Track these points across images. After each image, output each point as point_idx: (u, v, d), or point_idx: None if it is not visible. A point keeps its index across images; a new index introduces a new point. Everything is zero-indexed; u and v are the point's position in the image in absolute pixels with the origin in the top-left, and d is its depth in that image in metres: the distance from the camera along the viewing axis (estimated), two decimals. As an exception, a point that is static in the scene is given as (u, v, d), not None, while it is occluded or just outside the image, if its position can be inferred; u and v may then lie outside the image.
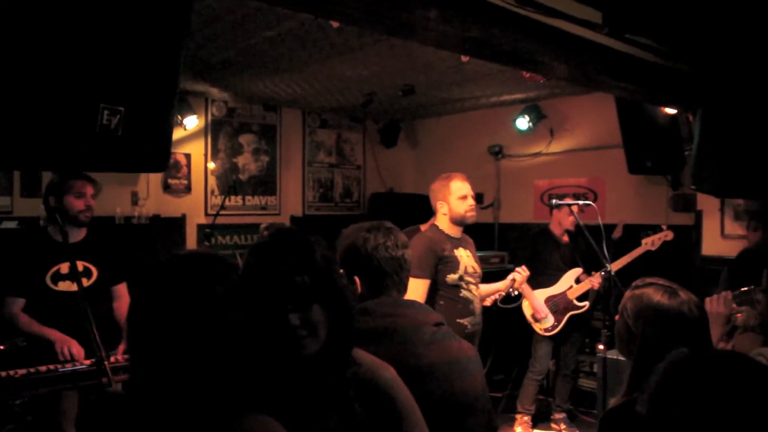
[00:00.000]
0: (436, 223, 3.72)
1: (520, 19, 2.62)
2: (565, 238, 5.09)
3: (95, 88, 1.85)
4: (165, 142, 2.10)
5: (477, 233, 4.13)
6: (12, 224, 5.17)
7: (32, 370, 2.90)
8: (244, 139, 6.79)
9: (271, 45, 4.38)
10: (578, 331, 5.18)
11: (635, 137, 5.34)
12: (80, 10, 1.77)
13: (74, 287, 3.27)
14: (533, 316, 4.98)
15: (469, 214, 3.65)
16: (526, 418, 5.10)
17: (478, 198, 7.05)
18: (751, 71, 3.15)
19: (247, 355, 1.32)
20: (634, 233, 5.09)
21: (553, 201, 4.51)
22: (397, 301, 1.91)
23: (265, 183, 6.97)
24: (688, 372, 1.37)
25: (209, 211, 6.46)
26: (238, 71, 5.21)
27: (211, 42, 4.30)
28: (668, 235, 4.79)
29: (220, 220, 6.06)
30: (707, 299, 2.61)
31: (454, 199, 3.64)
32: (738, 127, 3.25)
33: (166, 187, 6.23)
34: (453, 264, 3.58)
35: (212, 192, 6.56)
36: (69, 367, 3.02)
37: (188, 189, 6.39)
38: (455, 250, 3.62)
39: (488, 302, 3.92)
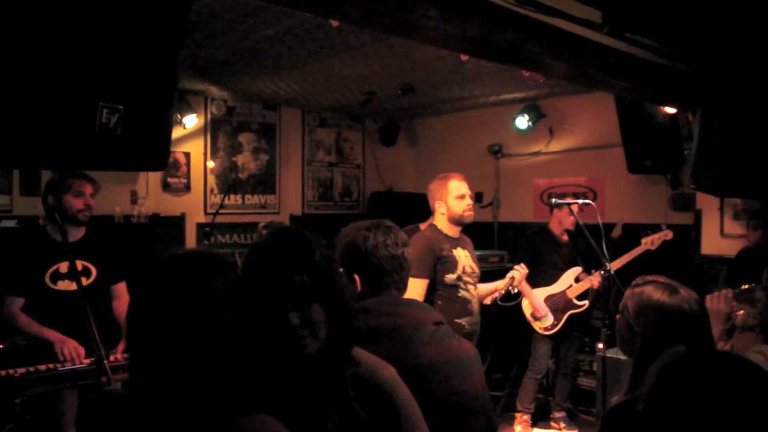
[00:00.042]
0: (435, 222, 3.72)
1: (520, 19, 2.61)
2: (565, 237, 5.09)
3: (94, 87, 1.85)
4: (164, 141, 2.10)
5: (476, 232, 4.14)
6: (11, 223, 5.17)
7: (32, 369, 2.90)
8: (244, 137, 6.79)
9: (270, 44, 4.38)
10: (578, 330, 5.18)
11: (635, 136, 5.34)
12: (79, 9, 1.77)
13: (73, 286, 3.27)
14: (533, 314, 4.98)
15: (467, 213, 3.65)
16: (525, 416, 5.10)
17: (478, 197, 7.06)
18: (751, 70, 3.15)
19: (247, 354, 1.32)
20: (633, 232, 5.09)
21: (553, 200, 4.50)
22: (397, 300, 1.91)
23: (265, 182, 6.97)
24: (683, 371, 1.37)
25: (209, 210, 6.46)
26: (237, 70, 5.21)
27: (211, 41, 4.30)
28: (668, 235, 4.80)
29: (219, 219, 6.06)
30: (708, 297, 2.61)
31: (452, 198, 3.64)
32: (737, 127, 3.25)
33: (166, 186, 6.23)
34: (451, 264, 3.58)
35: (212, 191, 6.56)
36: (68, 366, 3.02)
37: (188, 188, 6.39)
38: (454, 250, 3.62)
39: (488, 301, 3.92)
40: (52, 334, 3.17)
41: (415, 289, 3.31)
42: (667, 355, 1.55)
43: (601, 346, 3.97)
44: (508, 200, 7.04)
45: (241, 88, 6.00)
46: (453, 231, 3.69)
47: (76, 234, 3.41)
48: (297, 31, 4.10)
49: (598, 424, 1.86)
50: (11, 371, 2.84)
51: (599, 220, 4.00)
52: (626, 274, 4.01)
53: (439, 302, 3.51)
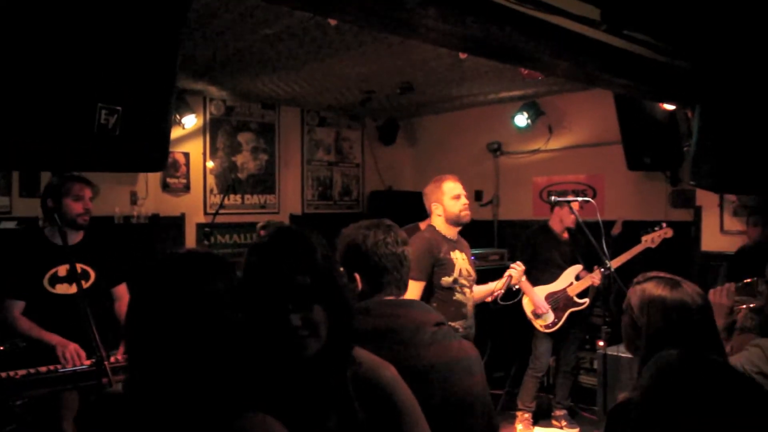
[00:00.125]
0: (433, 224, 3.72)
1: (519, 16, 2.61)
2: (565, 235, 5.09)
3: (93, 88, 1.84)
4: (163, 142, 2.09)
5: (476, 231, 4.14)
6: (11, 224, 5.16)
7: (32, 370, 2.90)
8: (243, 137, 6.79)
9: (269, 43, 4.38)
10: (578, 327, 5.19)
11: (634, 133, 5.34)
12: (77, 9, 1.77)
13: (72, 290, 3.27)
14: (534, 312, 4.98)
15: (463, 213, 3.65)
16: (526, 415, 5.11)
17: (477, 195, 7.07)
18: (750, 67, 3.15)
19: (247, 354, 1.32)
20: (633, 230, 5.09)
21: (553, 198, 4.50)
22: (397, 300, 1.91)
23: (264, 181, 6.97)
24: (672, 376, 1.39)
25: (208, 210, 6.46)
26: (236, 70, 5.21)
27: (209, 40, 4.30)
28: (668, 233, 4.79)
29: (219, 219, 6.06)
30: (711, 291, 2.62)
31: (448, 199, 3.65)
32: (736, 123, 3.25)
33: (165, 187, 6.22)
34: (448, 266, 3.58)
35: (211, 191, 6.56)
36: (69, 367, 3.02)
37: (187, 188, 6.39)
38: (451, 252, 3.63)
39: (490, 299, 3.91)
40: (53, 338, 3.17)
41: (412, 291, 3.30)
42: (661, 357, 1.56)
43: (601, 343, 3.97)
44: (508, 198, 7.04)
45: (240, 87, 6.00)
46: (451, 233, 3.69)
47: (75, 237, 3.40)
48: (296, 31, 4.10)
49: (604, 421, 1.86)
50: (12, 373, 2.84)
51: (599, 218, 4.00)
52: (626, 272, 4.01)
53: (434, 304, 3.51)
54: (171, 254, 1.34)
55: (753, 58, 3.12)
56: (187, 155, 6.37)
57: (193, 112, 6.06)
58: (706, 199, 5.34)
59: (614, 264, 4.26)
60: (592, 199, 4.34)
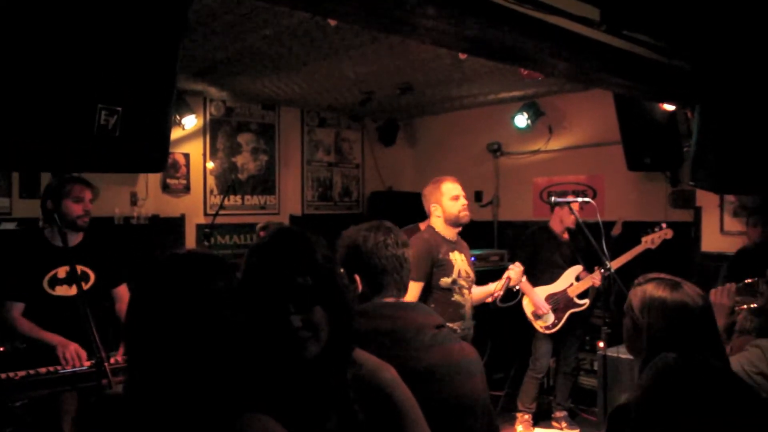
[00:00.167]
0: (432, 225, 3.73)
1: (518, 17, 2.61)
2: (566, 236, 5.09)
3: (93, 89, 1.84)
4: (163, 142, 2.09)
5: (476, 231, 4.14)
6: (11, 225, 5.16)
7: (32, 371, 2.90)
8: (243, 138, 6.79)
9: (269, 44, 4.38)
10: (579, 328, 5.18)
11: (634, 134, 5.33)
12: (78, 10, 1.77)
13: (71, 292, 3.27)
14: (534, 313, 4.97)
15: (462, 213, 3.66)
16: (526, 416, 5.10)
17: (477, 196, 7.07)
18: (749, 67, 3.15)
19: (247, 354, 1.32)
20: (633, 230, 5.09)
21: (553, 199, 4.50)
22: (397, 303, 1.91)
23: (264, 182, 6.97)
24: (670, 379, 1.39)
25: (208, 211, 6.46)
26: (236, 70, 5.21)
27: (209, 41, 4.30)
28: (668, 234, 4.79)
29: (219, 220, 6.06)
30: (712, 290, 2.62)
31: (447, 200, 3.66)
32: (736, 123, 3.25)
33: (165, 187, 6.22)
34: (447, 267, 3.59)
35: (211, 192, 6.56)
36: (69, 368, 3.02)
37: (187, 189, 6.39)
38: (450, 254, 3.63)
39: (490, 299, 3.91)
40: (53, 338, 3.17)
41: (410, 291, 3.29)
42: (660, 360, 1.56)
43: (601, 344, 3.96)
44: (508, 199, 7.04)
45: (240, 88, 6.00)
46: (450, 233, 3.70)
47: (75, 238, 3.40)
48: (296, 31, 4.10)
49: (604, 423, 1.86)
50: (11, 374, 2.84)
51: (599, 218, 3.99)
52: (627, 273, 4.01)
53: (433, 305, 3.51)
54: (171, 255, 1.34)
55: (753, 58, 3.12)
56: (187, 156, 6.38)
57: (193, 113, 6.06)
58: (706, 199, 5.34)
59: (614, 265, 4.26)
60: (592, 199, 4.33)
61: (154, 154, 2.08)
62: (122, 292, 3.61)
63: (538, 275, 4.96)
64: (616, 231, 5.46)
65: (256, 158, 6.89)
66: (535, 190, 6.79)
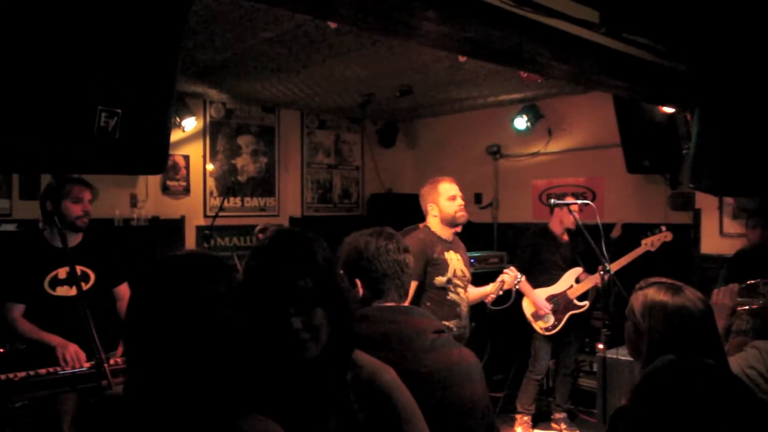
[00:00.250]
0: (428, 225, 3.75)
1: (518, 19, 2.62)
2: (565, 237, 5.09)
3: (93, 91, 1.84)
4: (163, 144, 2.09)
5: (476, 233, 4.14)
6: (11, 227, 5.17)
7: (32, 372, 2.91)
8: (243, 140, 6.79)
9: (269, 46, 4.39)
10: (578, 330, 5.18)
11: (633, 136, 5.34)
12: (78, 11, 1.77)
13: (72, 292, 3.27)
14: (534, 314, 4.97)
15: (459, 213, 3.70)
16: (526, 418, 5.10)
17: (477, 198, 7.07)
18: (749, 69, 3.16)
19: (247, 355, 1.32)
20: (633, 232, 5.09)
21: (552, 201, 4.50)
22: (398, 307, 1.92)
23: (264, 184, 6.97)
24: (661, 379, 1.39)
25: (208, 213, 6.47)
26: (236, 73, 5.21)
27: (209, 43, 4.30)
28: (667, 236, 4.80)
29: (219, 222, 6.06)
30: (714, 291, 2.63)
31: (444, 200, 3.69)
32: (736, 125, 3.25)
33: (165, 189, 6.23)
34: (442, 266, 3.61)
35: (211, 193, 6.56)
36: (68, 369, 3.03)
37: (187, 191, 6.39)
38: (445, 253, 3.65)
39: (489, 299, 3.91)
40: (53, 339, 3.17)
41: None
42: (657, 362, 1.57)
43: (601, 346, 3.97)
44: (507, 201, 7.05)
45: (240, 90, 6.00)
46: (446, 233, 3.72)
47: (74, 239, 3.41)
48: (295, 34, 4.10)
49: (604, 424, 1.87)
50: (11, 375, 2.85)
51: (598, 221, 4.00)
52: (626, 275, 4.02)
53: (428, 304, 3.55)
54: (170, 255, 1.34)
55: (752, 60, 3.12)
56: (187, 158, 6.38)
57: (193, 115, 6.07)
58: (705, 201, 5.35)
59: (614, 267, 4.26)
60: (592, 201, 4.34)
61: (153, 156, 2.08)
62: (123, 291, 3.62)
63: (537, 277, 4.96)
64: (615, 233, 5.47)
65: (255, 160, 6.89)
66: (534, 193, 6.79)
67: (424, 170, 7.45)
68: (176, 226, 6.30)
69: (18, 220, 5.20)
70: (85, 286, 3.33)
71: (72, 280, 3.16)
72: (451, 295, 3.63)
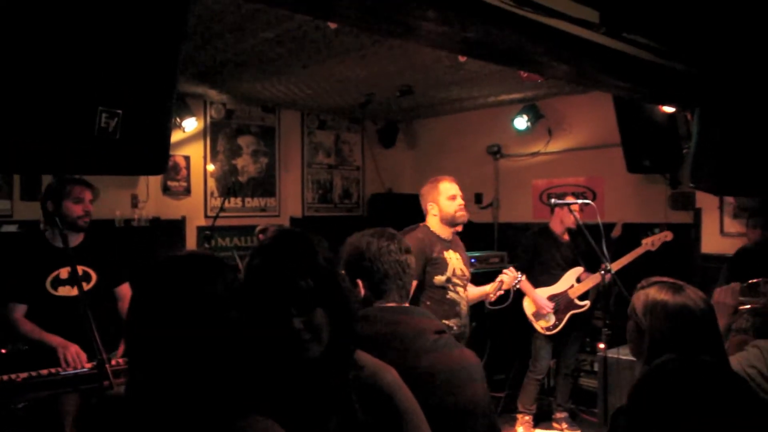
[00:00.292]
0: (427, 224, 3.75)
1: (518, 19, 2.62)
2: (566, 237, 5.09)
3: (93, 92, 1.85)
4: (163, 145, 2.10)
5: (476, 233, 4.15)
6: (12, 228, 5.17)
7: (34, 373, 2.91)
8: (243, 140, 6.80)
9: (269, 47, 4.39)
10: (579, 330, 5.18)
11: (633, 136, 5.34)
12: (78, 12, 1.77)
13: (74, 292, 3.28)
14: (535, 314, 4.97)
15: (458, 213, 3.70)
16: (527, 417, 5.10)
17: (477, 198, 7.08)
18: (749, 69, 3.16)
19: (248, 356, 1.32)
20: (633, 232, 5.09)
21: (552, 200, 4.50)
22: (399, 307, 1.92)
23: (265, 184, 6.98)
24: (658, 378, 1.39)
25: (209, 213, 6.47)
26: (236, 73, 5.22)
27: (209, 44, 4.31)
28: (668, 236, 4.80)
29: (219, 222, 6.06)
30: (717, 289, 2.64)
31: (444, 199, 3.69)
32: (736, 125, 3.25)
33: (166, 190, 6.23)
34: (441, 266, 3.61)
35: (212, 194, 6.56)
36: (70, 370, 3.03)
37: (188, 191, 6.40)
38: (444, 252, 3.66)
39: (493, 297, 3.91)
40: (54, 339, 3.18)
41: None
42: (660, 359, 1.57)
43: (602, 346, 3.97)
44: (508, 201, 7.05)
45: (240, 91, 6.01)
46: (445, 233, 3.72)
47: (75, 239, 3.42)
48: (295, 34, 4.11)
49: (605, 424, 1.88)
50: (13, 376, 2.85)
51: (599, 220, 4.00)
52: (627, 275, 4.02)
53: (428, 303, 3.55)
54: (171, 256, 1.35)
55: (752, 60, 3.13)
56: (187, 158, 6.38)
57: (193, 116, 6.08)
58: (705, 201, 5.35)
59: (614, 267, 4.27)
60: (592, 201, 4.34)
61: (154, 156, 2.08)
62: (124, 292, 3.62)
63: (538, 276, 4.97)
64: (616, 233, 5.46)
65: (256, 161, 6.90)
66: (534, 192, 6.80)
67: (424, 170, 7.45)
68: (177, 226, 6.30)
69: (19, 221, 5.21)
70: (86, 286, 3.34)
71: (73, 280, 3.17)
72: (451, 294, 3.64)
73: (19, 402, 2.88)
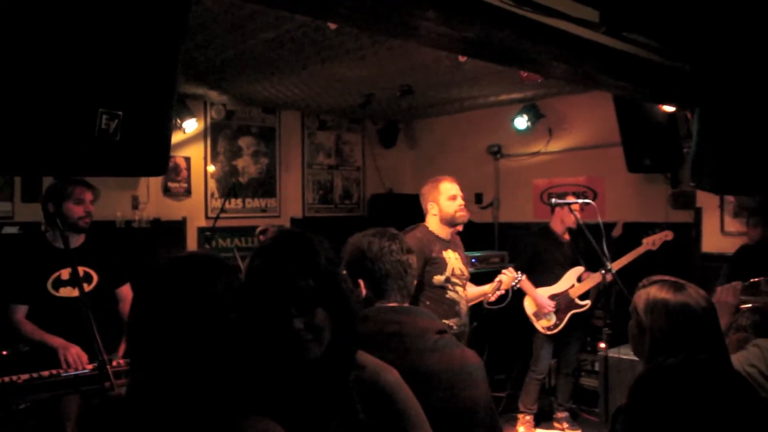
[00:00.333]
0: (426, 224, 3.76)
1: (518, 19, 2.62)
2: (567, 237, 5.09)
3: (94, 93, 1.85)
4: (164, 146, 2.10)
5: (477, 233, 4.14)
6: (13, 230, 5.17)
7: (35, 375, 2.90)
8: (244, 141, 6.80)
9: (269, 47, 4.39)
10: (580, 329, 5.18)
11: (634, 135, 5.33)
12: (78, 13, 1.77)
13: (75, 293, 3.28)
14: (535, 313, 4.97)
15: (458, 213, 3.71)
16: (528, 417, 5.10)
17: (478, 198, 7.07)
18: (749, 68, 3.16)
19: (249, 356, 1.32)
20: (633, 231, 5.09)
21: (553, 200, 4.50)
22: (400, 307, 1.92)
23: (265, 185, 6.98)
24: (665, 375, 1.39)
25: (209, 214, 6.47)
26: (236, 74, 5.22)
27: (210, 45, 4.31)
28: (668, 235, 4.80)
29: (220, 223, 6.06)
30: (718, 288, 2.64)
31: (444, 199, 3.70)
32: (736, 124, 3.25)
33: (166, 191, 6.23)
34: (440, 265, 3.62)
35: (212, 195, 6.56)
36: (71, 371, 3.03)
37: (188, 192, 6.40)
38: (444, 252, 3.67)
39: (492, 297, 3.92)
40: (55, 341, 3.18)
41: None
42: (661, 358, 1.57)
43: (603, 345, 3.97)
44: (508, 201, 7.05)
45: (241, 92, 6.01)
46: (445, 233, 3.73)
47: (76, 240, 3.42)
48: (295, 35, 4.10)
49: (606, 424, 1.88)
50: (14, 377, 2.85)
51: (599, 220, 4.00)
52: (627, 275, 4.02)
53: (427, 303, 3.56)
54: (172, 257, 1.35)
55: (752, 59, 3.12)
56: (188, 159, 6.38)
57: (193, 117, 6.07)
58: (706, 200, 5.34)
59: (615, 266, 4.27)
60: (593, 201, 4.34)
61: (155, 157, 2.08)
62: (125, 292, 3.63)
63: (539, 276, 4.97)
64: (616, 232, 5.47)
65: (256, 161, 6.90)
66: (535, 192, 6.79)
67: (424, 170, 7.45)
68: (178, 227, 6.30)
69: (20, 223, 5.21)
70: (87, 287, 3.34)
71: (75, 281, 3.17)
72: (450, 294, 3.64)
73: (20, 403, 2.88)
